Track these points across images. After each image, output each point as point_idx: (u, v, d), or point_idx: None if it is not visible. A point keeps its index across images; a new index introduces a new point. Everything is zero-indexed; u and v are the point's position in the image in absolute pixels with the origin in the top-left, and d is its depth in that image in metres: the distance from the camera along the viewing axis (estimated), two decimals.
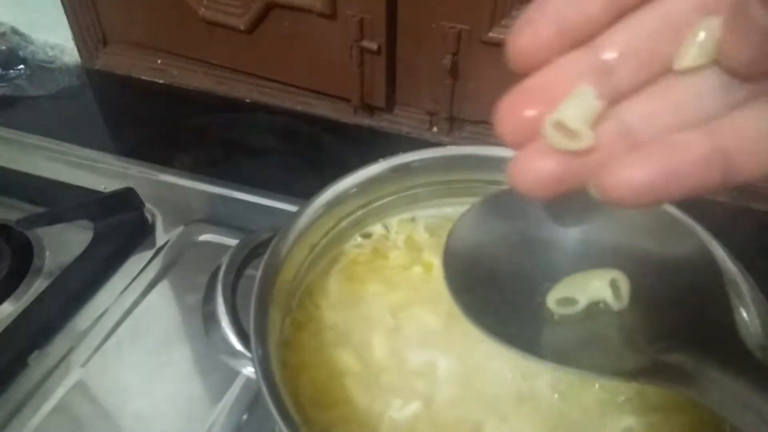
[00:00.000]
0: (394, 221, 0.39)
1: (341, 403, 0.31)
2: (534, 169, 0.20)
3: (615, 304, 0.29)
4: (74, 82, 0.81)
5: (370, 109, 0.74)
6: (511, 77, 0.67)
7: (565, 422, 0.30)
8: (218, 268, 0.32)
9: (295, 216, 0.34)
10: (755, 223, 0.60)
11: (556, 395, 0.31)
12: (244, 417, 0.42)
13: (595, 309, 0.29)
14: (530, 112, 0.21)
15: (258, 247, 0.34)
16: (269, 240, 0.33)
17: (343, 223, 0.37)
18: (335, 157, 0.70)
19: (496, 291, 0.29)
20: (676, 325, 0.27)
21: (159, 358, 0.45)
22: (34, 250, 0.53)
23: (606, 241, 0.31)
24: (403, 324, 0.34)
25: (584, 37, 0.20)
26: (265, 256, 0.31)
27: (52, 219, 0.52)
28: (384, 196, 0.38)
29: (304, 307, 0.35)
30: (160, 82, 0.81)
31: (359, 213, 0.38)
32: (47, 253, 0.53)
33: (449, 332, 0.33)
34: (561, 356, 0.27)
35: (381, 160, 0.37)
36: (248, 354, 0.30)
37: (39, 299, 0.49)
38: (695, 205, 0.33)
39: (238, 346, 0.30)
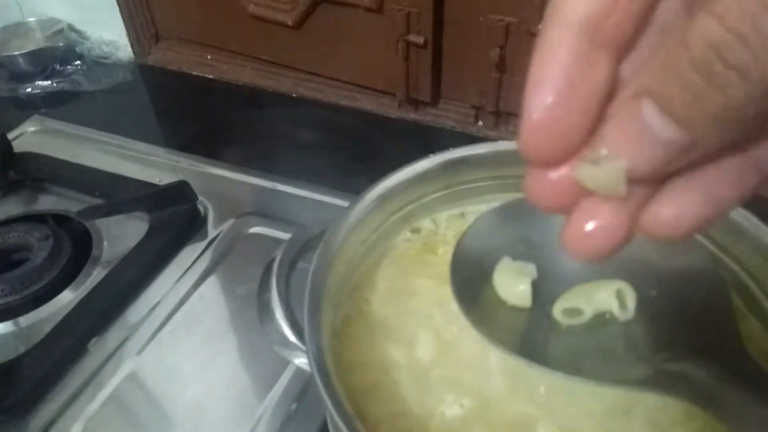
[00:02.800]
0: (443, 217, 0.40)
1: (392, 397, 0.31)
2: (589, 233, 0.19)
3: (621, 315, 0.29)
4: (128, 78, 0.83)
5: (415, 104, 0.74)
6: None
7: (617, 413, 0.30)
8: (272, 260, 0.33)
9: (347, 211, 0.34)
10: None
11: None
12: (294, 406, 0.43)
13: (601, 319, 0.29)
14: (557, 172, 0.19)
15: (311, 240, 0.35)
16: (321, 234, 0.34)
17: (393, 218, 0.38)
18: (380, 151, 0.71)
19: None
20: (682, 335, 0.28)
21: (211, 347, 0.47)
22: (92, 241, 0.55)
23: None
24: (452, 319, 0.34)
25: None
26: (318, 251, 0.32)
27: (110, 210, 0.54)
28: (433, 192, 0.38)
29: (354, 302, 0.35)
30: (210, 77, 0.83)
31: (409, 208, 0.38)
32: (105, 243, 0.55)
33: None
34: (566, 365, 0.28)
35: (431, 155, 0.37)
36: (301, 345, 0.31)
37: (97, 288, 0.50)
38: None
39: (292, 337, 0.31)
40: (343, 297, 0.35)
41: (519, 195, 0.37)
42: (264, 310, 0.32)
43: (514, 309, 0.30)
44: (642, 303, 0.29)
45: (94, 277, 0.52)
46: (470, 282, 0.30)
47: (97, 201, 0.58)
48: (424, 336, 0.33)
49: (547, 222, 0.33)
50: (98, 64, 0.86)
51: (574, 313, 0.29)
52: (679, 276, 0.30)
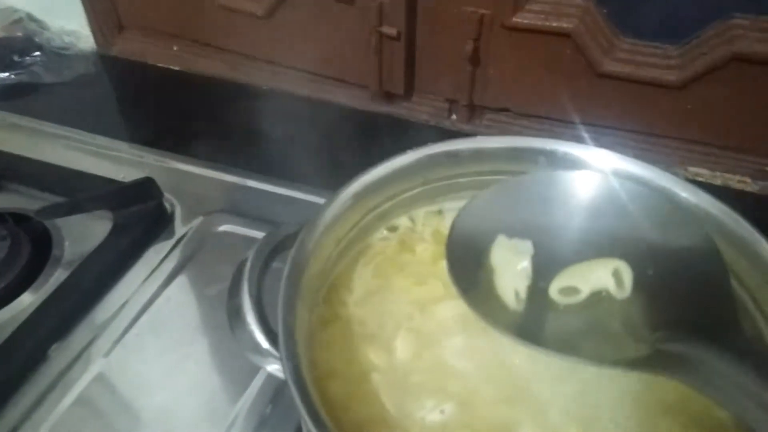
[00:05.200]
0: (420, 214, 0.39)
1: (371, 403, 0.30)
2: None
3: (618, 293, 0.29)
4: (90, 69, 0.80)
5: (388, 97, 0.73)
6: (533, 64, 0.66)
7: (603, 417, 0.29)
8: (243, 262, 0.32)
9: (322, 209, 0.33)
10: None
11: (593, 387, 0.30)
12: (268, 410, 0.41)
13: (597, 298, 0.29)
14: None
15: (284, 241, 0.33)
16: (295, 234, 0.32)
17: (370, 216, 0.36)
18: (353, 145, 0.69)
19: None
20: (678, 314, 0.28)
21: (180, 350, 0.45)
22: (53, 241, 0.53)
23: (610, 231, 0.31)
24: (432, 320, 0.33)
25: None
26: (292, 252, 0.30)
27: (71, 209, 0.52)
28: (410, 189, 0.37)
29: (330, 303, 0.34)
30: (177, 68, 0.81)
31: (385, 206, 0.37)
32: (66, 243, 0.53)
33: (480, 328, 0.32)
34: (562, 345, 0.28)
35: (408, 151, 0.36)
36: (275, 352, 0.29)
37: (59, 290, 0.48)
38: (727, 197, 0.32)
39: (265, 343, 0.29)
40: (319, 299, 0.33)
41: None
42: (234, 315, 0.30)
43: None
44: (639, 281, 0.29)
45: (55, 278, 0.50)
46: (466, 262, 0.30)
47: (58, 199, 0.55)
48: (402, 338, 0.32)
49: (544, 202, 0.33)
50: (59, 56, 0.82)
51: (571, 292, 0.29)
52: (676, 254, 0.30)
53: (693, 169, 0.64)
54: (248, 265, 0.31)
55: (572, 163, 0.36)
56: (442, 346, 0.32)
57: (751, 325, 0.30)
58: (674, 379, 0.25)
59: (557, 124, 0.68)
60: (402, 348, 0.32)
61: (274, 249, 0.33)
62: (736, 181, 0.64)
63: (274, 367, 0.29)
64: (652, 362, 0.26)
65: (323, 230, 0.32)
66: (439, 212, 0.39)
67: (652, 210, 0.31)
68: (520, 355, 0.31)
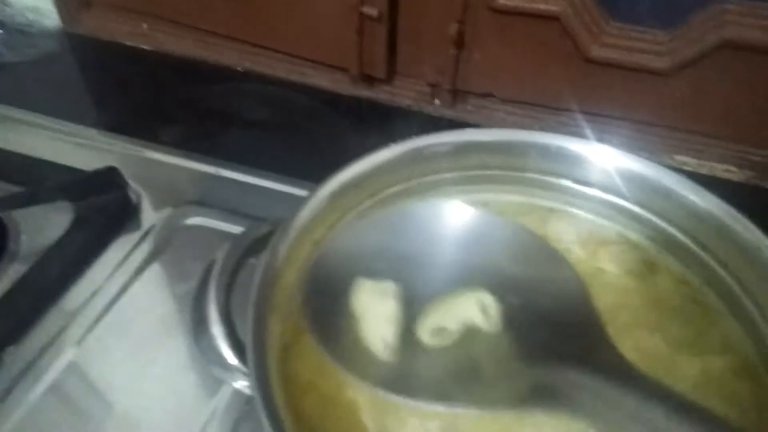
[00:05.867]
0: None
1: (349, 421, 0.27)
2: None
3: (487, 326, 0.28)
4: (54, 48, 0.76)
5: (369, 80, 0.70)
6: (519, 48, 0.63)
7: None
8: (210, 267, 0.29)
9: (296, 210, 0.30)
10: None
11: None
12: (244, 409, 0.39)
13: (469, 337, 0.29)
14: None
15: (256, 243, 0.30)
16: (268, 234, 0.30)
17: (349, 216, 0.34)
18: (333, 131, 0.67)
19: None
20: (548, 343, 0.28)
21: (146, 353, 0.42)
22: (8, 234, 0.49)
23: (471, 263, 0.31)
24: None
25: None
26: (264, 258, 0.28)
27: (28, 200, 0.49)
28: (392, 185, 0.35)
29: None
30: (146, 48, 0.77)
31: (366, 203, 0.34)
32: (23, 237, 0.49)
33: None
34: (439, 393, 0.27)
35: (391, 144, 0.33)
36: (243, 368, 0.27)
37: (15, 288, 0.45)
38: (713, 186, 0.31)
39: (233, 359, 0.27)
40: (294, 307, 0.31)
41: (492, 186, 0.35)
42: (199, 325, 0.28)
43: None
44: (507, 314, 0.29)
45: (10, 275, 0.46)
46: (326, 312, 0.29)
47: (15, 188, 0.52)
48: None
49: (403, 237, 0.32)
50: (21, 33, 0.78)
51: (441, 332, 0.29)
52: (537, 282, 0.30)
53: (679, 158, 0.63)
54: (216, 270, 0.29)
55: (566, 159, 0.34)
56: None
57: (755, 335, 0.29)
58: (555, 414, 0.25)
59: (542, 111, 0.66)
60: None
61: (245, 252, 0.30)
62: (722, 170, 0.62)
63: (242, 384, 0.27)
64: (535, 400, 0.26)
65: (298, 233, 0.30)
66: None
67: (511, 240, 0.32)
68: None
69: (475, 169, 0.35)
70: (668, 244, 0.33)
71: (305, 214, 0.30)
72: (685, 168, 0.62)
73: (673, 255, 0.34)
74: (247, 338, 0.25)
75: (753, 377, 0.29)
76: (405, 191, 0.35)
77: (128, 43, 0.77)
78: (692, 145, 0.62)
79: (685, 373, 0.29)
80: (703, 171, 0.62)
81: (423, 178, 0.35)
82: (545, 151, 0.34)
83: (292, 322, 0.30)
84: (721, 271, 0.31)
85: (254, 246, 0.31)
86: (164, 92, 0.71)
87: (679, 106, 0.60)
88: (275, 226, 0.30)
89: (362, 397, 0.28)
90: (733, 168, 0.61)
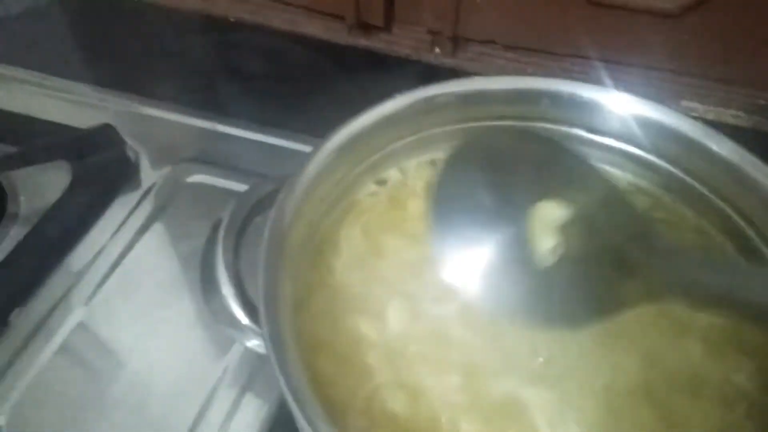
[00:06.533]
0: (411, 165, 0.35)
1: (363, 380, 0.27)
2: None
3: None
4: (41, 1, 0.73)
5: (366, 29, 0.68)
6: None
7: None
8: (217, 226, 0.28)
9: (303, 166, 0.29)
10: None
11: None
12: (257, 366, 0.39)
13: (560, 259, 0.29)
14: None
15: (261, 200, 0.30)
16: (274, 191, 0.29)
17: (356, 170, 0.33)
18: (330, 83, 0.65)
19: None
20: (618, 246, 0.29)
21: (155, 312, 0.42)
22: (7, 196, 0.48)
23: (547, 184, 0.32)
24: (427, 284, 0.30)
25: None
26: (271, 215, 0.27)
27: (25, 160, 0.47)
28: (401, 138, 0.34)
29: (316, 270, 0.31)
30: None
31: (374, 158, 0.33)
32: (22, 198, 0.48)
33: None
34: (565, 317, 0.28)
35: (397, 95, 0.32)
36: (255, 327, 0.26)
37: (17, 250, 0.44)
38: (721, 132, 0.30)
39: (243, 318, 0.26)
40: (304, 265, 0.30)
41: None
42: (208, 284, 0.27)
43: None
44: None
45: (11, 237, 0.46)
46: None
47: (9, 149, 0.50)
48: (395, 306, 0.29)
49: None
50: None
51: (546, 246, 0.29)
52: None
53: (686, 103, 0.62)
54: (222, 229, 0.28)
55: (578, 106, 0.33)
56: (440, 314, 0.29)
57: None
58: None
59: (545, 57, 0.64)
60: (395, 317, 0.29)
61: (252, 210, 0.29)
62: (730, 116, 0.61)
63: (254, 343, 0.27)
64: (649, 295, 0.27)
65: (305, 189, 0.29)
66: (432, 163, 0.35)
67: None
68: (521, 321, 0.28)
69: (484, 120, 0.34)
70: (684, 193, 0.33)
71: (311, 170, 0.29)
72: (692, 114, 0.61)
73: (688, 205, 0.33)
74: (260, 299, 0.25)
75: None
76: (413, 143, 0.34)
77: None
78: (699, 89, 0.61)
79: (702, 321, 0.29)
80: (710, 116, 0.61)
81: (431, 129, 0.34)
82: (557, 98, 0.33)
83: (301, 280, 0.30)
84: (740, 221, 0.31)
85: (260, 204, 0.30)
86: (156, 45, 0.69)
87: (686, 50, 0.58)
88: (280, 184, 0.30)
89: (375, 354, 0.28)
90: (741, 113, 0.60)
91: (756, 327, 0.28)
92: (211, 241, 0.28)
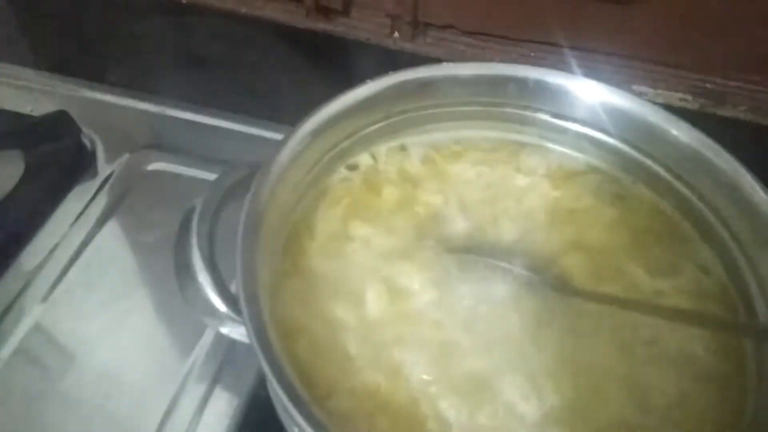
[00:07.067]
0: (382, 150, 0.35)
1: (342, 362, 0.28)
2: None
3: None
4: None
5: (325, 12, 0.67)
6: None
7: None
8: (190, 213, 0.28)
9: (276, 152, 0.29)
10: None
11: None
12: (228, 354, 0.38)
13: None
14: None
15: (233, 187, 0.29)
16: (245, 178, 0.29)
17: (328, 156, 0.33)
18: (288, 67, 0.64)
19: None
20: None
21: (119, 303, 0.41)
22: None
23: None
24: (401, 270, 0.31)
25: None
26: (247, 202, 0.27)
27: None
28: (372, 123, 0.34)
29: (290, 257, 0.31)
30: None
31: (345, 143, 0.33)
32: None
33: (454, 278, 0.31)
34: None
35: (368, 80, 0.32)
36: (232, 314, 0.26)
37: None
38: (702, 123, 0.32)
39: (222, 307, 0.26)
40: (278, 253, 0.30)
41: (468, 123, 0.34)
42: (183, 272, 0.27)
43: None
44: None
45: None
46: None
47: None
48: (372, 290, 0.30)
49: None
50: None
51: None
52: None
53: (637, 87, 0.63)
54: (196, 216, 0.27)
55: (544, 91, 0.33)
56: (415, 297, 0.30)
57: (728, 260, 0.30)
58: None
59: (503, 42, 0.65)
60: (372, 301, 0.30)
61: (224, 197, 0.29)
62: (678, 99, 0.63)
63: (231, 329, 0.26)
64: None
65: (278, 175, 0.29)
66: (402, 148, 0.36)
67: None
68: (494, 305, 0.29)
69: (452, 106, 0.34)
70: (643, 174, 0.34)
71: (284, 156, 0.29)
72: (643, 98, 0.63)
73: (647, 185, 0.34)
74: (239, 284, 0.25)
75: (724, 299, 0.31)
76: (382, 129, 0.34)
77: None
78: (649, 74, 0.63)
79: (663, 297, 0.30)
80: (660, 100, 0.63)
81: (400, 115, 0.34)
82: (523, 84, 0.34)
83: (276, 264, 0.30)
84: (696, 200, 0.32)
85: (232, 191, 0.29)
86: (104, 29, 0.66)
87: (637, 35, 0.60)
88: (251, 170, 0.29)
89: (352, 337, 0.29)
90: (688, 96, 0.62)
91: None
92: (184, 229, 0.28)
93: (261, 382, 0.37)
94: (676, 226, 0.33)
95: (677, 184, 0.33)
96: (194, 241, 0.27)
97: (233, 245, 0.26)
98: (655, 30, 0.59)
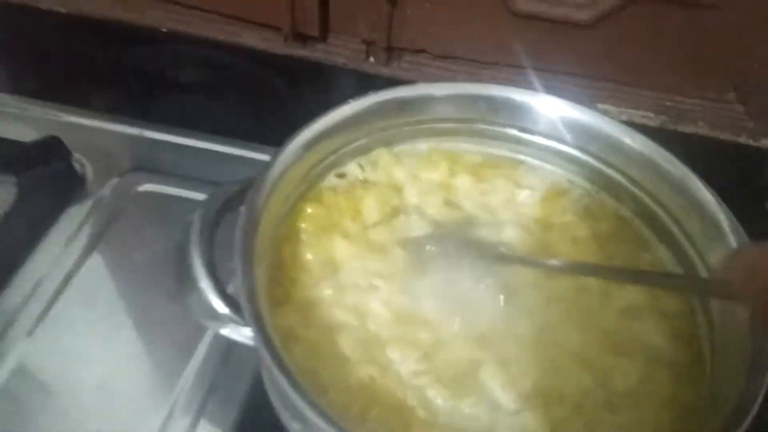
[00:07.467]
0: (363, 162, 0.38)
1: (338, 366, 0.30)
2: None
3: None
4: None
5: (303, 39, 0.70)
6: (450, 3, 0.64)
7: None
8: (189, 225, 0.30)
9: (268, 166, 0.31)
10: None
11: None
12: (215, 376, 0.40)
13: None
14: None
15: (228, 201, 0.32)
16: (239, 193, 0.31)
17: (315, 170, 0.36)
18: (269, 91, 0.67)
19: None
20: None
21: (115, 319, 0.42)
22: None
23: None
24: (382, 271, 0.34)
25: None
26: (243, 212, 0.29)
27: None
28: (354, 140, 0.36)
29: (282, 258, 0.33)
30: (63, 11, 0.72)
31: (331, 159, 0.36)
32: None
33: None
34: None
35: (350, 101, 0.35)
36: (234, 316, 0.28)
37: None
38: (664, 139, 0.35)
39: (222, 309, 0.28)
40: (272, 258, 0.32)
41: (444, 139, 0.37)
42: (185, 281, 0.29)
43: None
44: None
45: None
46: None
47: None
48: (357, 291, 0.32)
49: None
50: None
51: None
52: None
53: (601, 106, 0.67)
54: (195, 228, 0.30)
55: (511, 108, 0.36)
56: (398, 297, 0.32)
57: (682, 256, 0.33)
58: None
59: (473, 65, 0.68)
60: (372, 310, 0.32)
61: (220, 210, 0.31)
62: (640, 116, 0.67)
63: (238, 332, 0.28)
64: None
65: (270, 187, 0.31)
66: (383, 160, 0.38)
67: None
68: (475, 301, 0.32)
69: (429, 123, 0.37)
70: (604, 183, 0.37)
71: (275, 171, 0.32)
72: (607, 115, 0.66)
73: (608, 193, 0.37)
74: (240, 285, 0.27)
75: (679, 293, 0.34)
76: (365, 146, 0.37)
77: (41, 6, 0.73)
78: (613, 93, 0.67)
79: (623, 293, 0.33)
80: (623, 117, 0.66)
81: (382, 132, 0.37)
82: (492, 101, 0.37)
83: (271, 272, 0.32)
84: (652, 204, 0.35)
85: (227, 204, 0.32)
86: (87, 57, 0.68)
87: (600, 57, 0.64)
88: (244, 185, 0.32)
89: (347, 341, 0.31)
90: (649, 114, 0.66)
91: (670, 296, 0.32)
92: (184, 240, 0.30)
93: (252, 399, 0.38)
94: (635, 229, 0.36)
95: (635, 189, 0.36)
96: (194, 249, 0.29)
97: (229, 254, 0.28)
98: (617, 52, 0.63)
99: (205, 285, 0.28)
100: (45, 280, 0.44)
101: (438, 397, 0.29)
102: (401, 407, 0.29)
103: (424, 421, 0.28)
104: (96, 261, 0.46)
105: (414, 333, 0.31)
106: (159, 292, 0.42)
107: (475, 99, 0.36)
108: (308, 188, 0.35)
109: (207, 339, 0.41)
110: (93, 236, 0.47)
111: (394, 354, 0.30)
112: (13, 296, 0.43)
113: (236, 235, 0.28)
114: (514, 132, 0.38)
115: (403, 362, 0.30)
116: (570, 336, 0.32)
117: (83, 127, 0.55)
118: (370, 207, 0.35)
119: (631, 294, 0.33)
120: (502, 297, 0.32)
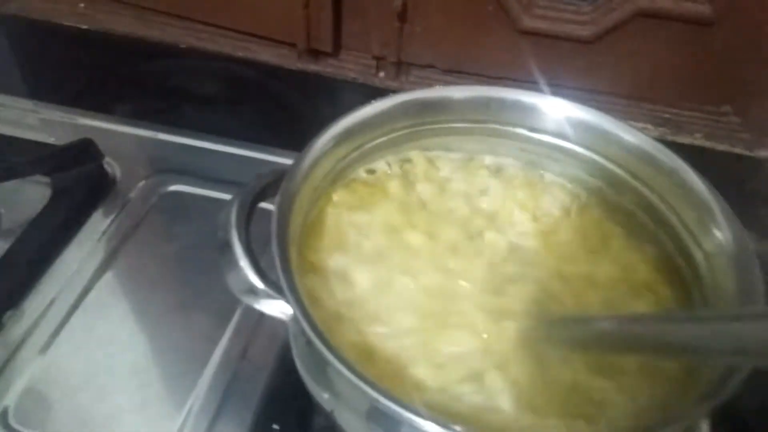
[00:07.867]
0: (388, 158, 0.41)
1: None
2: None
3: None
4: None
5: (315, 54, 0.73)
6: (458, 20, 0.68)
7: None
8: (228, 211, 0.33)
9: (299, 160, 0.34)
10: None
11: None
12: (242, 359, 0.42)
13: None
14: None
15: (265, 189, 0.35)
16: (273, 183, 0.34)
17: (340, 165, 0.39)
18: (283, 104, 0.70)
19: None
20: None
21: (147, 310, 0.45)
22: None
23: None
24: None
25: None
26: (278, 198, 0.32)
27: (6, 174, 0.49)
28: (375, 138, 0.39)
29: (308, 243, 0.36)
30: (84, 27, 0.76)
31: (354, 155, 0.39)
32: (2, 211, 0.50)
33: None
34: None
35: (373, 101, 0.38)
36: (269, 290, 0.31)
37: (3, 261, 0.46)
38: None
39: (259, 284, 0.31)
40: (299, 245, 0.35)
41: (453, 140, 0.40)
42: (226, 260, 0.32)
43: None
44: None
45: None
46: None
47: None
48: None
49: None
50: None
51: None
52: None
53: None
54: (233, 213, 0.32)
55: (520, 109, 0.40)
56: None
57: (678, 243, 0.36)
58: None
59: (480, 79, 0.71)
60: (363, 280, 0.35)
61: (255, 198, 0.34)
62: (640, 128, 0.69)
63: (273, 306, 0.31)
64: None
65: (301, 179, 0.34)
66: (406, 158, 0.42)
67: None
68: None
69: (446, 123, 0.40)
70: (607, 178, 0.40)
71: (306, 163, 0.34)
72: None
73: (611, 187, 0.40)
74: (278, 268, 0.29)
75: (676, 273, 0.36)
76: (386, 143, 0.40)
77: (65, 23, 0.76)
78: (613, 106, 0.69)
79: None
80: None
81: (401, 131, 0.40)
82: (503, 103, 0.40)
83: (301, 252, 0.35)
84: (652, 196, 0.38)
85: (264, 192, 0.35)
86: (109, 71, 0.71)
87: (600, 72, 0.67)
88: (277, 176, 0.34)
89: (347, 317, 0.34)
90: (649, 125, 0.69)
91: None
92: (225, 222, 0.32)
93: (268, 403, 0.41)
94: (635, 218, 0.39)
95: (635, 182, 0.39)
96: (234, 233, 0.32)
97: (263, 237, 0.31)
98: (617, 67, 0.66)
99: (244, 263, 0.31)
100: (79, 273, 0.46)
101: None
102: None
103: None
104: (128, 254, 0.48)
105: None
106: (187, 282, 0.45)
107: (488, 101, 0.39)
108: (338, 178, 0.38)
109: (232, 325, 0.43)
110: (124, 232, 0.49)
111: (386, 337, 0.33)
112: (48, 288, 0.46)
113: (273, 219, 0.30)
114: (523, 131, 0.41)
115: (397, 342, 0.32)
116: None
117: (112, 132, 0.58)
118: (393, 205, 0.39)
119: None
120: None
